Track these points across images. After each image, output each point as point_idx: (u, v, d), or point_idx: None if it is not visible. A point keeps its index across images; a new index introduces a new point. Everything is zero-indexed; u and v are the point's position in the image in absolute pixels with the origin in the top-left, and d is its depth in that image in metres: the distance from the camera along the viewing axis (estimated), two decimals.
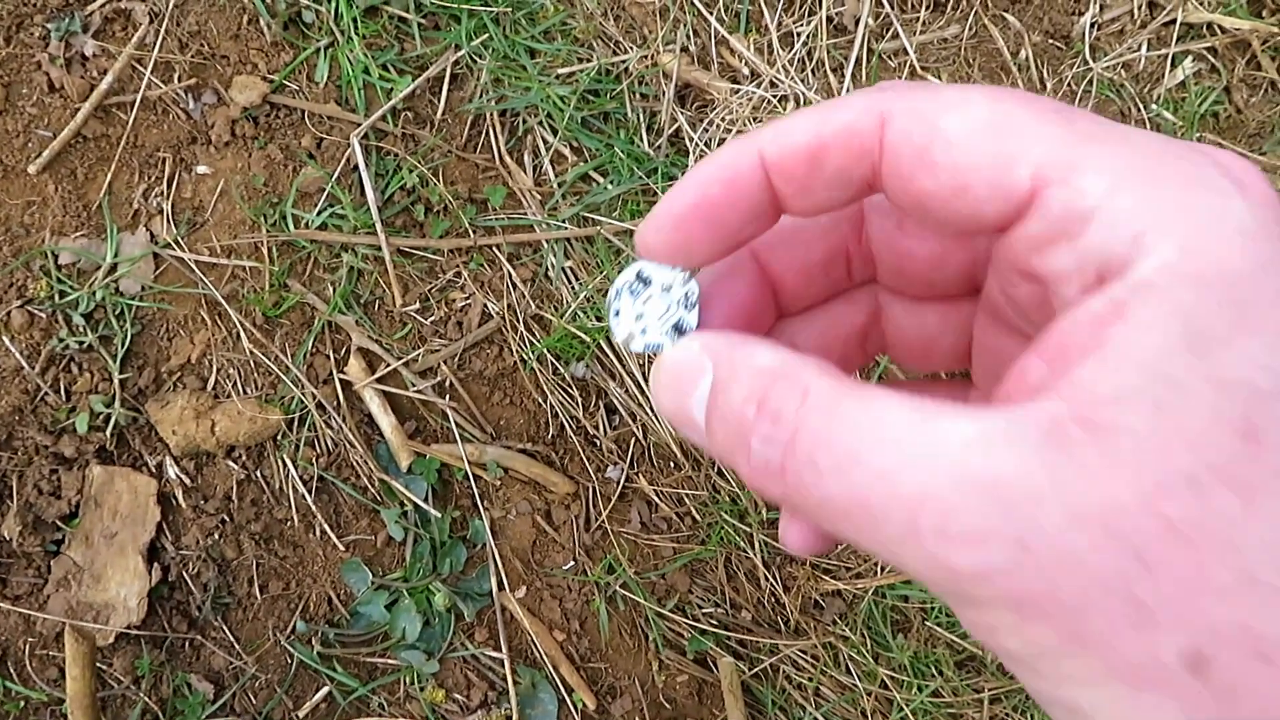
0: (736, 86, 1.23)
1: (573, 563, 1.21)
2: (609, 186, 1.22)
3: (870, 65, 1.28)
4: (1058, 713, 0.21)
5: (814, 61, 1.27)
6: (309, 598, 1.15)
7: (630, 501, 1.23)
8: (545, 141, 1.24)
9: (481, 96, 1.23)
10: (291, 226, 1.18)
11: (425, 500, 1.16)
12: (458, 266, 1.21)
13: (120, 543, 1.10)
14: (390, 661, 1.15)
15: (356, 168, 1.19)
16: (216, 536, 1.14)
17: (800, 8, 1.29)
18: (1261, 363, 0.19)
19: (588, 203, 1.22)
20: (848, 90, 1.26)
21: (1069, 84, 1.37)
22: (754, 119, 1.22)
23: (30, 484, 1.10)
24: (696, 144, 1.22)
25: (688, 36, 1.26)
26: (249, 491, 1.15)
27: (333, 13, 1.21)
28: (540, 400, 1.22)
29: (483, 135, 1.24)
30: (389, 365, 1.17)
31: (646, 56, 1.24)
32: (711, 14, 1.27)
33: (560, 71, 1.23)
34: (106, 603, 1.08)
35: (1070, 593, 0.19)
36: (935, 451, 0.20)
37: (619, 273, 0.28)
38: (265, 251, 1.17)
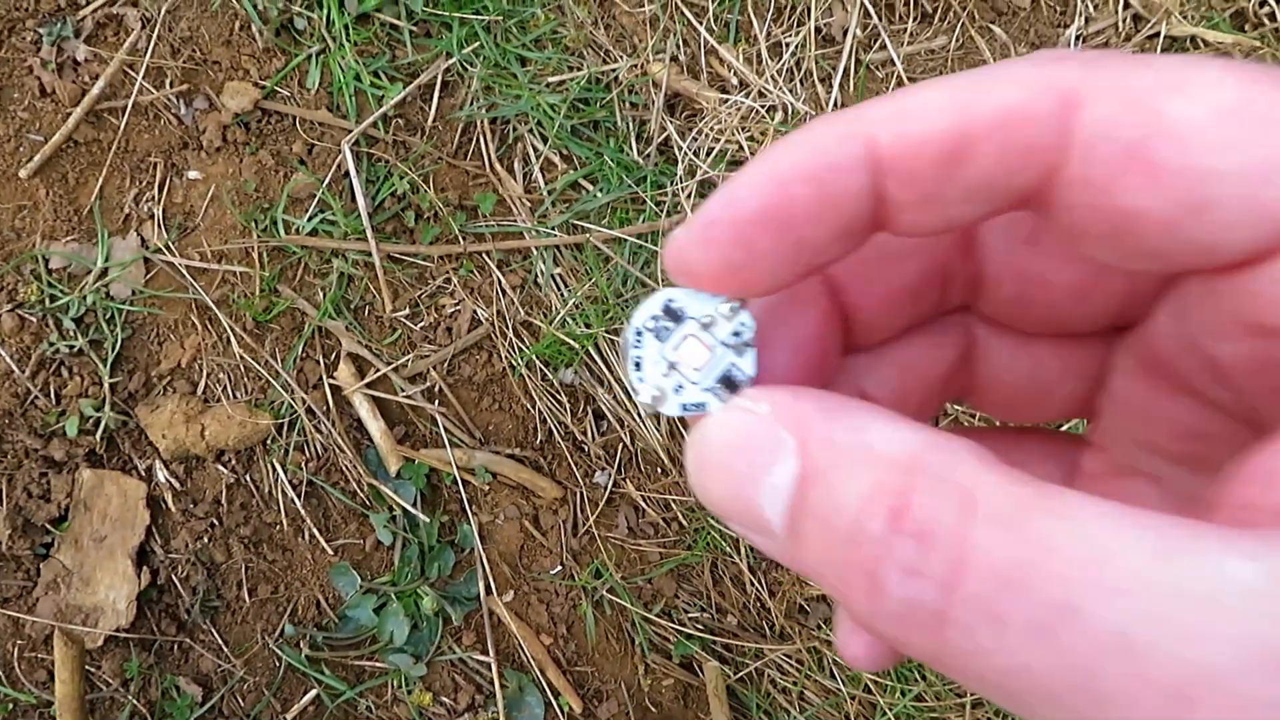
0: (725, 96, 1.24)
1: (560, 567, 1.22)
2: (598, 194, 1.23)
3: (858, 76, 1.29)
4: None
5: (802, 72, 1.28)
6: (298, 601, 1.16)
7: (617, 507, 1.24)
8: (535, 149, 1.25)
9: (472, 104, 1.24)
10: (282, 232, 1.18)
11: (414, 505, 1.17)
12: (448, 273, 1.22)
13: (110, 546, 1.11)
14: (378, 665, 1.16)
15: (347, 174, 1.20)
16: (206, 540, 1.14)
17: (789, 18, 1.31)
18: None
19: (577, 210, 1.23)
20: (835, 103, 1.27)
21: None
22: (742, 129, 1.23)
23: (20, 487, 1.10)
24: (685, 153, 1.23)
25: (677, 46, 1.27)
26: (238, 495, 1.16)
27: (324, 19, 1.22)
28: (529, 406, 1.23)
29: (473, 142, 1.25)
30: (379, 370, 1.18)
31: (636, 65, 1.25)
32: (701, 24, 1.28)
33: (551, 80, 1.24)
34: (96, 606, 1.09)
35: None
36: (1205, 608, 0.13)
37: (637, 306, 0.21)
38: (256, 257, 1.18)
